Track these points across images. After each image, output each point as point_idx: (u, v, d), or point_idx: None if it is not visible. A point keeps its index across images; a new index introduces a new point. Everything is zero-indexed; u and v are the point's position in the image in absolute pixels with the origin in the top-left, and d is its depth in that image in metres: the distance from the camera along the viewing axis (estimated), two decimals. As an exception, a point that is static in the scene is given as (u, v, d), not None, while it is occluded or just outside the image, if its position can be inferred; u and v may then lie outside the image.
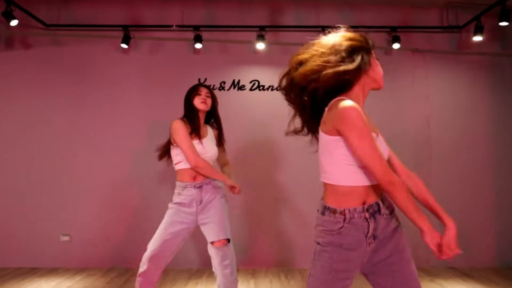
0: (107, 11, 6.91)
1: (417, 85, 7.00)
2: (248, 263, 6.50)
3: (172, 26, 6.79)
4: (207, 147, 4.09)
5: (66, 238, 6.58)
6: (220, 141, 4.31)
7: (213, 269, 4.00)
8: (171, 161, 4.26)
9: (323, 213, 2.27)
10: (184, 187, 4.01)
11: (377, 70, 2.38)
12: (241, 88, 6.87)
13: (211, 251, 3.97)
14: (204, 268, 6.42)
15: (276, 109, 6.45)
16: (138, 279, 3.99)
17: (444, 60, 7.06)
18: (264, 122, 6.62)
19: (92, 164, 6.72)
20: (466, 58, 7.04)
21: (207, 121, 4.35)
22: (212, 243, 3.93)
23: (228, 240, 3.95)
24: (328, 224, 2.24)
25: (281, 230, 6.64)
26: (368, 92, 2.43)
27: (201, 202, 3.98)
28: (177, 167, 4.14)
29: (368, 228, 2.22)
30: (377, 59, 2.40)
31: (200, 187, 4.00)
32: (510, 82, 7.04)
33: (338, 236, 2.21)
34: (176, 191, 4.10)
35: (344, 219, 2.21)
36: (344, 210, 2.21)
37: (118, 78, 6.86)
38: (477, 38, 6.37)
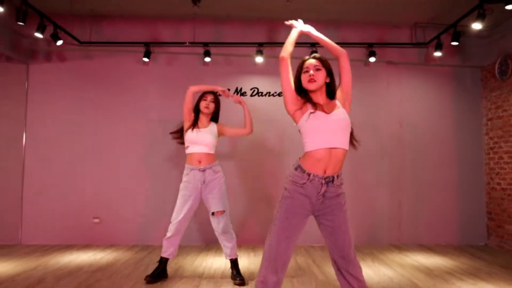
0: (131, 30, 7.94)
1: (391, 92, 8.03)
2: (249, 241, 7.56)
3: (185, 42, 7.79)
4: (201, 135, 5.22)
5: (97, 220, 7.66)
6: (222, 126, 5.47)
7: (216, 235, 5.25)
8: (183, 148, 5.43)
9: (296, 169, 3.36)
10: (191, 169, 5.21)
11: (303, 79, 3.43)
12: (243, 94, 7.87)
13: (213, 220, 5.22)
14: (212, 245, 7.51)
15: (272, 112, 7.61)
16: (165, 243, 5.24)
17: (414, 71, 8.12)
18: (262, 122, 7.50)
19: (118, 156, 7.77)
20: (433, 69, 8.10)
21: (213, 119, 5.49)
22: (212, 213, 5.15)
23: (224, 211, 5.17)
24: (296, 178, 3.33)
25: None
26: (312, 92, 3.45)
27: (204, 182, 5.18)
28: (186, 151, 5.32)
29: (321, 189, 3.30)
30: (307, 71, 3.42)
31: (203, 170, 5.19)
32: (469, 89, 8.11)
33: (301, 188, 3.30)
34: (184, 172, 5.30)
35: (308, 179, 3.30)
36: (309, 173, 3.31)
37: (140, 86, 7.90)
38: (437, 54, 7.42)
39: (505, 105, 7.31)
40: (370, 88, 7.91)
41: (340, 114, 3.34)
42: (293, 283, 5.14)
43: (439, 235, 7.82)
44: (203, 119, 5.38)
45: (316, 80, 3.36)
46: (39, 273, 5.53)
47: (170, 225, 5.24)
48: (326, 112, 3.32)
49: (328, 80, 3.41)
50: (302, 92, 3.43)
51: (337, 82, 3.49)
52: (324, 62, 3.45)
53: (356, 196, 7.66)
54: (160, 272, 5.24)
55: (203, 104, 5.34)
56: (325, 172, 3.27)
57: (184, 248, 7.17)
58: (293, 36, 3.63)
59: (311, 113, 3.29)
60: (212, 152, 5.29)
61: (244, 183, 7.68)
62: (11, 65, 7.81)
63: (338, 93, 3.48)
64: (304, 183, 3.28)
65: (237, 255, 5.34)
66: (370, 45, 7.77)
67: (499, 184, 7.47)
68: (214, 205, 5.16)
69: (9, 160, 7.70)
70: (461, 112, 8.09)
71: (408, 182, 7.91)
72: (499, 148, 7.47)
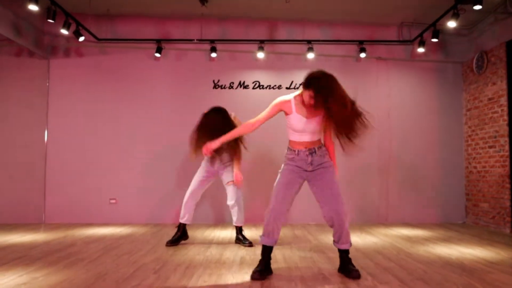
0: (144, 28, 8.69)
1: (380, 86, 8.80)
2: (251, 219, 8.28)
3: (194, 39, 8.52)
4: None
5: (113, 201, 8.44)
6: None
7: (228, 203, 6.08)
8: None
9: (288, 150, 4.41)
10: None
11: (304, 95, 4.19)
12: (246, 87, 8.62)
13: (228, 188, 6.05)
14: (218, 223, 8.34)
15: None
16: (182, 210, 6.10)
17: (401, 66, 8.89)
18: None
19: (132, 143, 8.53)
20: (418, 65, 8.87)
21: None
22: (228, 183, 5.99)
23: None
24: (288, 155, 4.41)
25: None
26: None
27: (221, 161, 6.01)
28: None
29: (308, 159, 4.29)
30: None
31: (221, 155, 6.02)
32: (451, 83, 8.89)
33: (292, 161, 4.35)
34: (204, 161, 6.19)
35: (296, 154, 4.33)
36: (295, 149, 4.34)
37: (152, 79, 8.66)
38: (421, 50, 8.22)
39: (481, 96, 8.11)
40: (361, 82, 8.64)
41: (317, 122, 4.29)
42: (291, 246, 5.93)
43: (423, 215, 8.62)
44: None
45: (314, 106, 4.15)
46: (69, 240, 6.33)
47: (187, 192, 6.12)
48: (306, 118, 4.25)
49: (322, 99, 4.09)
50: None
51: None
52: (316, 88, 4.06)
53: (348, 180, 8.39)
54: (179, 236, 6.06)
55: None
56: (306, 147, 4.31)
57: (194, 225, 7.90)
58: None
59: (294, 114, 4.29)
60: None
61: (246, 169, 8.40)
62: (33, 60, 8.56)
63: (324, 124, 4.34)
64: (293, 157, 4.35)
65: (243, 223, 6.16)
66: (361, 42, 8.54)
67: (475, 167, 8.28)
68: (228, 177, 6.04)
69: (33, 147, 8.47)
70: (444, 104, 8.85)
71: (395, 167, 8.66)
72: (475, 135, 8.28)
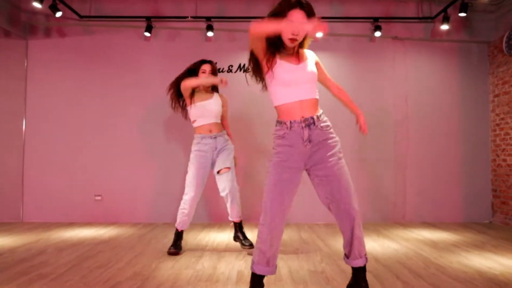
0: (132, 4, 7.83)
1: (397, 68, 7.91)
2: (254, 219, 7.51)
3: (188, 17, 7.71)
4: (208, 107, 5.19)
5: (99, 197, 7.61)
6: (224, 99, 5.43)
7: (222, 194, 5.22)
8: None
9: (276, 125, 3.31)
10: (202, 138, 5.17)
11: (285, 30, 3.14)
12: (246, 70, 7.70)
13: (219, 180, 5.21)
14: (215, 222, 7.49)
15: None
16: (183, 218, 5.21)
17: (420, 46, 7.98)
18: (262, 97, 7.47)
19: (119, 133, 7.71)
20: (439, 45, 7.97)
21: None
22: (219, 171, 5.15)
23: (229, 168, 5.16)
24: (278, 131, 3.27)
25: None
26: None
27: (216, 148, 5.13)
28: (194, 124, 5.27)
29: (304, 134, 3.18)
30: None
31: (215, 137, 5.16)
32: (476, 65, 7.97)
33: (283, 139, 3.23)
34: (194, 141, 5.24)
35: (287, 127, 3.21)
36: (286, 121, 3.23)
37: (141, 62, 7.81)
38: (444, 27, 7.34)
39: (512, 81, 7.21)
40: (375, 64, 7.83)
41: (309, 66, 3.29)
42: (298, 255, 5.06)
43: (444, 213, 7.74)
44: (203, 91, 5.33)
45: (298, 39, 3.17)
46: (40, 246, 5.48)
47: (185, 199, 5.20)
48: (294, 64, 3.24)
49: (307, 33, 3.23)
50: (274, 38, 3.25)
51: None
52: (310, 12, 3.16)
53: (360, 174, 7.59)
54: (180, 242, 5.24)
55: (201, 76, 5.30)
56: (302, 116, 3.19)
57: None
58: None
59: (278, 66, 3.23)
60: (219, 121, 5.29)
61: (244, 158, 7.61)
62: (10, 41, 7.68)
63: (317, 60, 3.44)
64: (285, 133, 3.22)
65: (241, 218, 5.34)
66: (375, 19, 7.67)
67: (504, 160, 7.37)
68: (221, 163, 5.15)
69: (9, 137, 7.62)
70: (467, 89, 7.96)
71: (413, 159, 7.82)
72: (505, 124, 7.36)
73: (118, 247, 5.46)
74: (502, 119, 7.43)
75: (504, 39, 7.33)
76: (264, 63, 3.26)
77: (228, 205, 5.23)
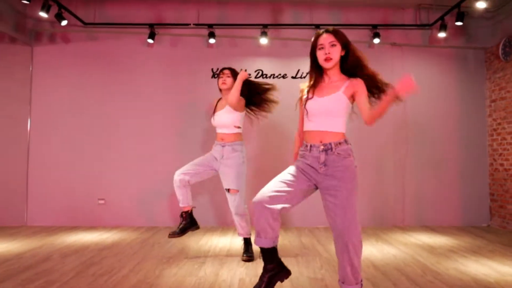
0: (135, 11, 7.94)
1: (395, 74, 7.88)
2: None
3: (190, 24, 7.82)
4: (218, 118, 5.35)
5: (102, 201, 7.72)
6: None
7: (231, 210, 5.30)
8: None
9: (302, 146, 3.53)
10: (216, 144, 5.37)
11: (319, 56, 3.42)
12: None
13: (228, 197, 5.29)
14: (217, 226, 7.61)
15: (276, 93, 7.56)
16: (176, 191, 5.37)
17: (418, 52, 8.10)
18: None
19: (122, 138, 7.82)
20: (437, 51, 8.09)
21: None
22: (227, 190, 5.22)
23: (238, 191, 5.22)
24: (301, 151, 3.50)
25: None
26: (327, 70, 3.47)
27: (222, 156, 5.24)
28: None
29: (320, 158, 3.34)
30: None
31: (223, 146, 5.28)
32: (473, 70, 8.09)
33: (303, 158, 3.44)
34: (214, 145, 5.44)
35: (308, 149, 3.42)
36: (308, 144, 3.43)
37: (144, 68, 7.92)
38: (442, 35, 7.44)
39: (509, 86, 7.32)
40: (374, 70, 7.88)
41: (331, 99, 3.37)
42: (298, 260, 5.18)
43: (442, 217, 7.86)
44: (223, 98, 5.48)
45: (332, 58, 3.36)
46: (45, 251, 5.59)
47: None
48: (318, 96, 3.41)
49: (343, 53, 3.41)
50: (316, 66, 3.47)
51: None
52: (338, 35, 3.39)
53: (361, 178, 7.64)
54: (185, 225, 5.35)
55: (220, 82, 5.42)
56: (321, 142, 3.36)
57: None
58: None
59: (307, 99, 3.46)
60: (233, 131, 5.33)
61: (250, 162, 7.72)
62: (15, 47, 7.82)
63: (358, 87, 3.42)
64: (304, 154, 3.44)
65: (250, 235, 5.33)
66: (374, 26, 7.79)
67: (502, 165, 7.50)
68: (227, 183, 5.24)
69: (14, 142, 7.75)
70: (465, 94, 8.08)
71: (412, 164, 7.94)
72: (502, 129, 7.48)
73: (121, 253, 5.57)
74: (499, 124, 7.55)
75: (501, 45, 7.45)
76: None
77: (237, 223, 5.34)
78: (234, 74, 5.41)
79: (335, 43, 3.34)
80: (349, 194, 3.24)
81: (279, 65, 7.90)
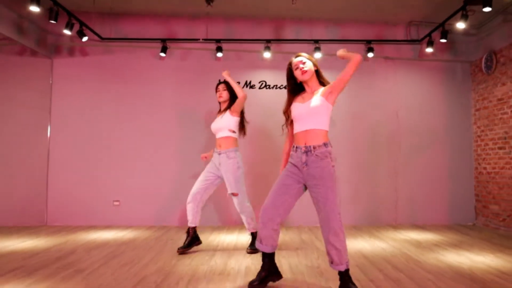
0: (149, 27, 8.59)
1: (388, 85, 8.66)
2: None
3: (199, 39, 8.40)
4: (214, 124, 6.04)
5: (117, 203, 8.34)
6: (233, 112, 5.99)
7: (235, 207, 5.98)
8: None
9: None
10: (215, 151, 6.03)
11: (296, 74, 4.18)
12: (252, 87, 8.52)
13: (233, 199, 5.96)
14: (224, 225, 8.24)
15: (278, 103, 8.09)
16: (187, 205, 6.00)
17: (409, 65, 8.76)
18: (269, 112, 8.20)
19: (136, 144, 8.43)
20: (426, 64, 8.74)
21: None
22: (229, 193, 5.92)
23: (238, 194, 5.88)
24: (291, 152, 4.21)
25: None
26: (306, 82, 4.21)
27: (219, 163, 5.93)
28: None
29: (302, 158, 4.05)
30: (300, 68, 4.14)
31: (219, 154, 5.93)
32: (460, 82, 8.75)
33: (291, 158, 4.17)
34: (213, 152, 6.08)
35: (294, 150, 4.14)
36: (295, 146, 4.15)
37: (156, 79, 8.56)
38: (429, 50, 8.07)
39: (490, 97, 7.97)
40: (369, 82, 8.58)
41: (312, 102, 4.08)
42: (297, 253, 5.81)
43: (432, 216, 8.51)
44: (222, 108, 6.14)
45: (307, 70, 4.10)
46: (70, 247, 6.22)
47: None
48: (301, 102, 4.14)
49: (316, 68, 4.21)
50: (297, 85, 4.27)
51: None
52: (306, 57, 4.20)
53: (356, 181, 8.35)
54: (189, 242, 5.95)
55: (217, 95, 6.11)
56: (305, 143, 4.05)
57: (198, 228, 7.82)
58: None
59: (292, 104, 4.24)
60: (228, 134, 5.95)
61: (252, 168, 8.33)
62: (36, 60, 8.46)
63: (331, 85, 4.17)
64: (292, 154, 4.17)
65: (256, 229, 5.97)
66: (368, 41, 8.40)
67: (485, 168, 8.14)
68: (229, 188, 5.88)
69: (35, 148, 8.37)
70: (452, 104, 8.72)
71: (404, 167, 8.56)
72: (485, 136, 8.13)
73: (138, 247, 6.20)
74: (483, 131, 8.19)
75: (483, 60, 8.11)
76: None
77: (243, 220, 6.02)
78: (229, 87, 6.10)
79: (304, 60, 4.16)
80: (327, 190, 3.94)
81: (281, 77, 8.41)
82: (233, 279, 4.52)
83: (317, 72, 4.23)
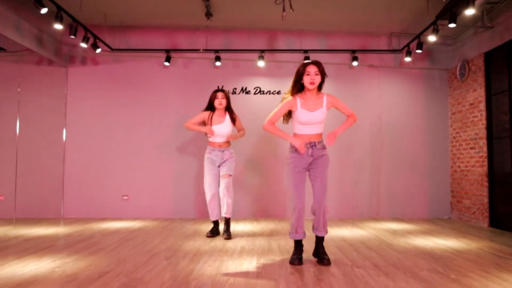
0: (154, 39, 9.40)
1: (372, 91, 9.48)
2: (262, 214, 9.14)
3: (200, 49, 9.23)
4: (220, 129, 6.80)
5: (126, 197, 9.17)
6: (233, 121, 6.89)
7: (220, 195, 6.86)
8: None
9: (290, 144, 5.07)
10: (213, 150, 6.85)
11: (305, 79, 4.96)
12: (248, 92, 9.31)
13: (221, 181, 6.83)
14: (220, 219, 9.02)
15: (271, 107, 8.80)
16: (209, 206, 6.93)
17: (391, 73, 9.57)
18: (262, 115, 8.44)
19: (143, 144, 9.25)
20: (407, 71, 9.55)
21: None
22: (223, 175, 6.79)
23: (231, 175, 6.83)
24: (292, 147, 5.04)
25: (273, 194, 9.24)
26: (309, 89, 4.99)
27: (222, 158, 6.81)
28: (209, 139, 6.92)
29: (309, 151, 4.94)
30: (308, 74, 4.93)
31: (223, 151, 6.82)
32: (438, 88, 9.57)
33: (295, 152, 5.00)
34: (207, 150, 6.92)
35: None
36: None
37: (161, 85, 9.38)
38: (407, 59, 8.84)
39: (464, 102, 8.81)
40: (354, 88, 9.39)
41: (319, 114, 4.97)
42: (286, 237, 6.63)
43: (411, 210, 9.33)
44: (218, 113, 6.87)
45: (315, 83, 4.88)
46: (88, 233, 7.07)
47: (208, 199, 6.92)
48: (310, 111, 4.94)
49: (320, 80, 4.99)
50: (300, 84, 4.99)
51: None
52: (321, 67, 4.92)
53: (342, 178, 9.20)
54: (216, 230, 6.93)
55: (216, 102, 6.85)
56: (309, 141, 4.96)
57: (199, 220, 8.77)
58: (284, 137, 5.09)
59: (299, 109, 4.98)
60: (226, 139, 6.90)
61: (246, 169, 9.16)
62: (52, 69, 9.32)
63: (333, 101, 5.08)
64: (296, 149, 4.98)
65: (231, 216, 6.94)
66: (353, 51, 9.20)
67: (459, 166, 8.98)
68: (225, 170, 6.80)
69: (52, 148, 9.22)
70: (431, 107, 9.53)
71: (386, 165, 9.40)
72: (459, 137, 8.97)
73: (148, 233, 7.07)
74: (457, 132, 9.03)
75: (458, 68, 8.95)
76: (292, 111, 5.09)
77: (223, 202, 6.88)
78: (227, 97, 6.96)
79: (318, 73, 4.92)
80: (324, 171, 5.00)
81: (274, 83, 9.34)
82: (230, 255, 5.41)
83: (320, 84, 5.04)
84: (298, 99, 4.98)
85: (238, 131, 7.05)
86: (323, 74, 4.96)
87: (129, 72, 9.40)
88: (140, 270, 4.57)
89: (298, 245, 5.10)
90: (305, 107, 4.94)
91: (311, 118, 4.94)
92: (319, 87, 5.05)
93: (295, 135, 5.07)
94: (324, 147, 5.05)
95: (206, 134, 6.87)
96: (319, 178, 4.96)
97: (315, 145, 4.97)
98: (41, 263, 4.87)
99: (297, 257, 4.98)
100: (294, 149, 5.01)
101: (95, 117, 9.31)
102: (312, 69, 4.89)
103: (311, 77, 4.87)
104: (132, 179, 9.23)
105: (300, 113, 4.94)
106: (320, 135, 5.05)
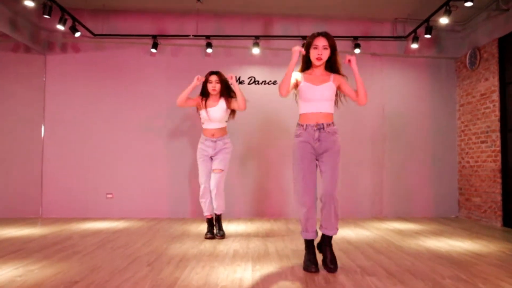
0: (140, 23, 8.77)
1: (375, 81, 8.87)
2: (246, 214, 8.53)
3: (189, 35, 8.62)
4: (212, 114, 6.13)
5: (110, 195, 8.54)
6: (230, 99, 6.17)
7: (211, 191, 6.20)
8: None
9: (296, 126, 4.42)
10: (206, 140, 6.20)
11: (312, 53, 4.35)
12: (241, 82, 8.67)
13: (212, 177, 6.18)
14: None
15: (266, 98, 8.44)
16: (201, 200, 6.29)
17: (395, 62, 8.99)
18: (258, 106, 8.33)
19: (128, 138, 8.63)
20: (412, 60, 8.96)
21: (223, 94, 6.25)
22: (214, 170, 6.14)
23: (222, 170, 6.16)
24: (296, 131, 4.40)
25: (278, 191, 8.63)
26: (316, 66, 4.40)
27: (215, 149, 6.16)
28: (202, 125, 6.29)
29: (315, 135, 4.28)
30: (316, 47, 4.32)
31: (215, 141, 6.16)
32: (445, 78, 8.98)
33: (299, 137, 4.35)
34: (200, 140, 6.28)
35: (303, 129, 4.32)
36: (304, 124, 4.33)
37: (148, 75, 8.75)
38: (414, 46, 8.31)
39: (474, 92, 8.22)
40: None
41: (325, 88, 4.33)
42: (284, 239, 6.05)
43: (416, 209, 8.75)
44: (212, 98, 6.24)
45: (322, 58, 4.32)
46: (66, 234, 6.42)
47: (201, 191, 6.29)
48: (314, 84, 4.32)
49: (330, 55, 4.38)
50: (308, 58, 4.42)
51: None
52: (331, 41, 4.34)
53: (343, 174, 8.45)
54: (213, 229, 6.30)
55: (209, 87, 6.19)
56: (316, 122, 4.31)
57: (188, 220, 8.13)
58: (289, 69, 4.31)
59: (303, 83, 4.36)
60: (223, 125, 6.26)
61: (240, 161, 8.56)
62: (30, 56, 8.66)
63: (341, 80, 4.46)
64: (301, 133, 4.35)
65: (222, 212, 6.34)
66: (355, 38, 8.63)
67: (468, 162, 8.38)
68: (216, 164, 6.15)
69: (30, 142, 8.58)
70: (437, 99, 8.96)
71: (389, 161, 8.79)
72: (468, 130, 8.37)
73: (132, 234, 6.42)
74: (466, 126, 8.44)
75: (468, 56, 8.35)
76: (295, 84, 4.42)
77: (213, 198, 6.24)
78: (222, 79, 6.25)
79: (327, 47, 4.32)
80: (335, 159, 4.34)
81: (269, 73, 8.73)
82: (221, 260, 4.75)
83: (328, 60, 4.43)
84: (303, 74, 4.45)
85: (238, 106, 6.21)
86: (333, 49, 4.37)
87: (113, 60, 8.79)
88: (116, 278, 3.92)
89: (309, 245, 4.44)
90: (309, 80, 4.37)
91: (315, 92, 4.32)
92: (331, 68, 4.47)
93: (300, 116, 4.46)
94: (335, 132, 4.38)
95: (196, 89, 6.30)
96: (329, 166, 4.31)
97: (323, 128, 4.32)
98: (2, 270, 4.21)
99: (311, 262, 4.30)
100: (299, 133, 4.39)
101: (76, 109, 8.69)
102: (320, 42, 4.32)
103: (318, 51, 4.31)
104: (117, 176, 8.62)
105: (304, 88, 4.36)
106: (330, 116, 4.38)
